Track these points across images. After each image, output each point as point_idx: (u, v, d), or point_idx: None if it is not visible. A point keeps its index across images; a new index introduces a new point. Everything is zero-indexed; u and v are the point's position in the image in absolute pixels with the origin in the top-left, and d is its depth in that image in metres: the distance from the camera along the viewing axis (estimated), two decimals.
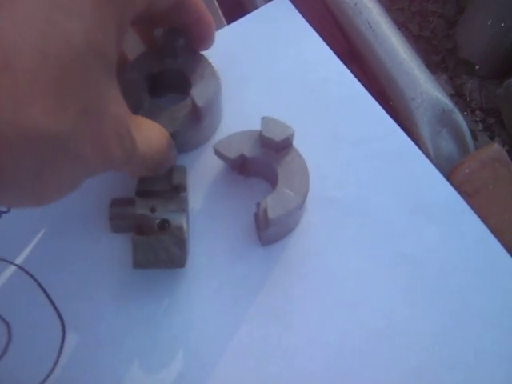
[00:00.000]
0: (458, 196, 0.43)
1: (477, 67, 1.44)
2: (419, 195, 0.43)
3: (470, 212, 0.42)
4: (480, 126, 1.34)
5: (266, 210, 0.38)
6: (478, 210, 0.42)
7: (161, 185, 0.40)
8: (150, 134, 0.35)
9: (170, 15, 0.37)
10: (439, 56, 1.49)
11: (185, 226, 0.38)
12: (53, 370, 0.37)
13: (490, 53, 1.43)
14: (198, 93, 0.41)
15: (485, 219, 0.42)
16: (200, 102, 0.40)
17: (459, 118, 0.53)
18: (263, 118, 0.40)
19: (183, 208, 0.39)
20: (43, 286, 0.39)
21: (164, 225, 0.39)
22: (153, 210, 0.39)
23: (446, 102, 0.53)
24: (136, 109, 0.41)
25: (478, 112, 1.38)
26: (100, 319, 0.39)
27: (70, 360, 0.38)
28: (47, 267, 0.40)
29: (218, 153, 0.41)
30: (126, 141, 0.29)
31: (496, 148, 0.44)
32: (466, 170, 0.43)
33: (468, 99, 1.42)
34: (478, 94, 1.42)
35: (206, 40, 0.42)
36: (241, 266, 0.41)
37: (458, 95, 1.44)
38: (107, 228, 0.40)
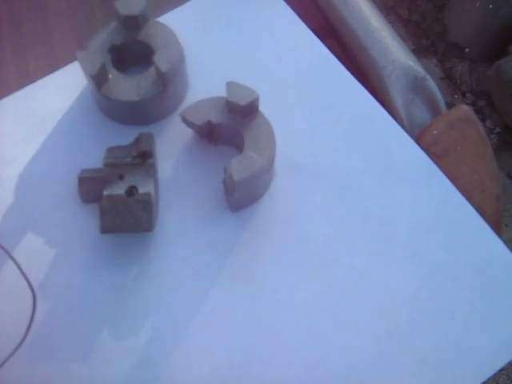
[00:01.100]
0: (427, 158, 0.43)
1: (466, 50, 1.43)
2: (388, 158, 0.43)
3: (438, 173, 0.42)
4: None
5: (231, 174, 0.38)
6: (447, 171, 0.42)
7: (128, 153, 0.40)
8: None
9: None
10: (429, 40, 1.48)
11: (152, 191, 0.38)
12: (24, 338, 0.37)
13: (480, 35, 1.42)
14: (161, 59, 0.41)
15: (454, 180, 0.42)
16: (163, 68, 0.40)
17: (432, 84, 0.53)
18: (228, 83, 0.40)
19: (150, 174, 0.39)
20: (12, 255, 0.39)
21: (132, 191, 0.39)
22: (121, 177, 0.39)
23: (419, 69, 0.53)
24: (101, 81, 0.41)
25: (468, 95, 1.38)
26: (70, 287, 0.39)
27: (41, 328, 0.38)
28: (16, 236, 0.40)
29: (185, 120, 0.41)
30: None
31: (464, 109, 0.44)
32: (434, 132, 0.43)
33: (458, 82, 1.41)
34: (468, 76, 1.41)
35: None
36: (210, 231, 0.41)
37: (448, 78, 1.43)
38: (77, 198, 0.40)
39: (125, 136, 0.41)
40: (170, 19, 0.45)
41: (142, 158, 0.40)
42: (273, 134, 0.40)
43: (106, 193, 0.38)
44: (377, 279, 0.40)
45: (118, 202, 0.38)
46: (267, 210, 0.42)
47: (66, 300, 0.39)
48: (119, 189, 0.38)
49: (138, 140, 0.40)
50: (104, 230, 0.37)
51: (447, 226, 0.41)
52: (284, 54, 0.47)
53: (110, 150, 0.40)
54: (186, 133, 0.43)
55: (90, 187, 0.39)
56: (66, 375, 0.37)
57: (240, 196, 0.39)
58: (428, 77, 0.53)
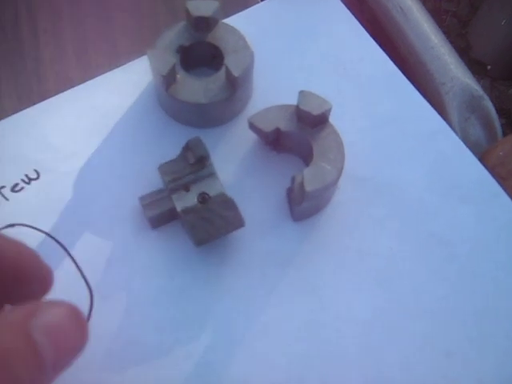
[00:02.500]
0: (492, 178, 0.42)
1: (488, 67, 1.43)
2: (452, 176, 0.43)
3: (503, 194, 0.42)
4: None
5: (301, 184, 0.37)
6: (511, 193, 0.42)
7: (184, 163, 0.39)
8: None
9: None
10: None
11: (223, 189, 0.38)
12: None
13: (503, 53, 1.42)
14: (234, 63, 0.40)
15: None
16: (236, 72, 0.40)
17: (489, 104, 0.53)
18: (301, 92, 0.39)
19: (214, 175, 0.39)
20: (72, 254, 0.39)
21: (204, 197, 0.38)
22: (186, 188, 0.38)
23: (476, 87, 0.52)
24: (169, 82, 0.41)
25: None
26: (128, 288, 0.39)
27: (97, 329, 0.38)
28: (75, 234, 0.40)
29: (252, 126, 0.40)
30: None
31: None
32: (500, 153, 0.43)
33: None
34: (489, 94, 1.42)
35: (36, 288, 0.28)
36: (271, 240, 0.40)
37: None
38: (135, 197, 0.40)
39: (187, 137, 0.40)
40: (236, 21, 0.45)
41: (200, 163, 0.39)
42: (342, 146, 0.39)
43: (180, 208, 0.37)
44: (436, 297, 0.39)
45: (200, 211, 0.37)
46: (329, 222, 0.41)
47: (123, 301, 0.39)
48: (190, 200, 0.38)
49: (188, 148, 0.39)
50: (199, 243, 0.37)
51: (510, 248, 0.41)
52: (349, 64, 0.47)
53: (162, 166, 0.39)
54: (249, 138, 0.43)
55: (158, 211, 0.39)
56: (122, 379, 0.37)
57: (306, 207, 0.39)
58: (485, 96, 0.52)
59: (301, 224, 0.41)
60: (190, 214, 0.37)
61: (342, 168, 0.39)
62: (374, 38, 0.49)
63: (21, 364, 0.19)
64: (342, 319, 0.39)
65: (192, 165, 0.39)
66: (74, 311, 0.23)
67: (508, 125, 1.33)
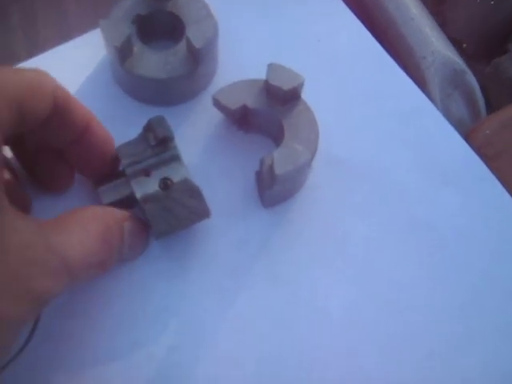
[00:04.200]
0: (478, 159, 0.39)
1: (464, 45, 1.41)
2: (435, 157, 0.40)
3: (490, 176, 0.39)
4: None
5: (271, 167, 0.34)
6: (499, 174, 0.39)
7: (145, 145, 0.34)
8: (83, 232, 0.28)
9: (47, 134, 0.31)
10: None
11: (188, 175, 0.34)
12: (27, 342, 0.33)
13: (479, 31, 1.40)
14: (195, 34, 0.37)
15: (505, 183, 0.39)
16: (198, 44, 0.36)
17: (472, 79, 0.50)
18: (270, 65, 0.36)
19: (178, 158, 0.34)
20: None
21: (166, 183, 0.34)
22: (146, 173, 0.34)
23: (458, 61, 0.49)
24: (125, 55, 0.37)
25: None
26: (80, 287, 0.35)
27: (46, 331, 0.34)
28: None
29: (217, 103, 0.37)
30: (50, 262, 0.25)
31: None
32: (487, 132, 0.40)
33: None
34: None
35: (98, 160, 0.34)
36: (240, 229, 0.37)
37: None
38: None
39: (147, 116, 0.36)
40: None
41: (163, 145, 0.34)
42: (316, 124, 0.36)
43: (139, 195, 0.33)
44: (419, 290, 0.36)
45: (161, 200, 0.33)
46: (303, 208, 0.38)
47: (75, 301, 0.35)
48: (151, 186, 0.34)
49: (149, 127, 0.34)
50: (160, 235, 0.33)
51: (497, 234, 0.38)
52: (324, 36, 0.43)
53: (121, 148, 0.34)
54: (215, 117, 0.39)
55: (116, 197, 0.35)
56: None
57: (277, 191, 0.35)
58: (468, 70, 0.49)
59: (272, 211, 0.38)
60: (151, 202, 0.33)
61: (315, 149, 0.35)
62: (352, 9, 0.45)
63: (115, 239, 0.30)
64: (316, 315, 0.35)
65: (153, 147, 0.34)
66: (145, 228, 0.34)
67: (484, 104, 1.31)
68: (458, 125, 0.47)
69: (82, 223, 0.28)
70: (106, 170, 0.34)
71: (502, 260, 0.37)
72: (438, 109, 0.44)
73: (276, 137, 0.38)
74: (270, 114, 0.37)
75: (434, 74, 0.47)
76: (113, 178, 0.35)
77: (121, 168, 0.34)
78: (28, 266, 0.23)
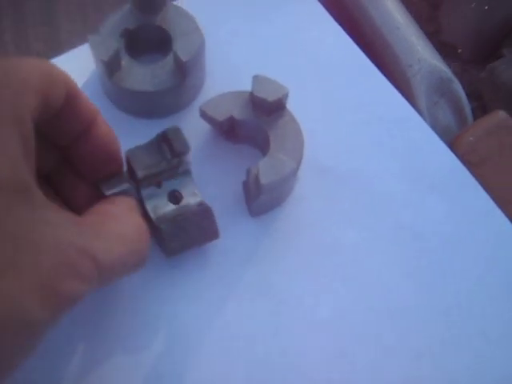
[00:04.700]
0: (462, 166, 0.40)
1: (459, 51, 1.41)
2: (420, 165, 0.40)
3: (474, 183, 0.40)
4: None
5: (257, 176, 0.34)
6: (483, 181, 0.39)
7: (158, 159, 0.34)
8: (119, 231, 0.27)
9: (57, 126, 0.29)
10: None
11: (199, 194, 0.35)
12: None
13: (473, 36, 1.40)
14: (182, 47, 0.37)
15: (490, 190, 0.39)
16: (184, 57, 0.37)
17: (458, 87, 0.51)
18: (255, 77, 0.36)
19: (188, 172, 0.35)
20: None
21: (176, 196, 0.34)
22: (158, 185, 0.35)
23: (445, 69, 0.50)
24: (113, 68, 0.38)
25: None
26: None
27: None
28: None
29: (204, 115, 0.37)
30: (82, 265, 0.23)
31: (502, 115, 0.41)
32: (471, 139, 0.40)
33: None
34: (461, 77, 1.40)
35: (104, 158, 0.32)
36: (228, 238, 0.37)
37: None
38: None
39: (135, 129, 0.37)
40: (188, 3, 0.41)
41: (178, 159, 0.34)
42: (301, 134, 0.37)
43: (154, 216, 0.34)
44: (406, 295, 0.37)
45: (177, 220, 0.34)
46: (290, 216, 0.38)
47: None
48: (161, 198, 0.34)
49: (165, 137, 0.34)
50: (171, 253, 0.34)
51: (481, 239, 0.38)
52: (309, 47, 0.44)
53: (134, 156, 0.34)
54: (203, 128, 0.40)
55: None
56: None
57: (263, 201, 0.36)
58: (454, 79, 0.50)
59: (259, 219, 0.38)
60: (167, 222, 0.34)
61: (300, 158, 0.36)
62: (339, 19, 0.46)
63: (147, 236, 0.29)
64: (304, 321, 0.36)
65: (169, 160, 0.34)
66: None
67: (479, 108, 1.31)
68: (444, 132, 0.48)
69: (118, 221, 0.27)
70: (109, 169, 0.32)
71: (487, 265, 0.38)
72: (424, 117, 0.45)
73: (263, 147, 0.38)
74: (256, 125, 0.37)
75: (421, 82, 0.48)
76: (117, 183, 0.33)
77: (137, 177, 0.34)
78: (59, 268, 0.22)
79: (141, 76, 0.38)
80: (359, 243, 0.38)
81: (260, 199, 0.35)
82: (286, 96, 0.36)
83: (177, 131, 0.34)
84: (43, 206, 0.23)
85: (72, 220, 0.25)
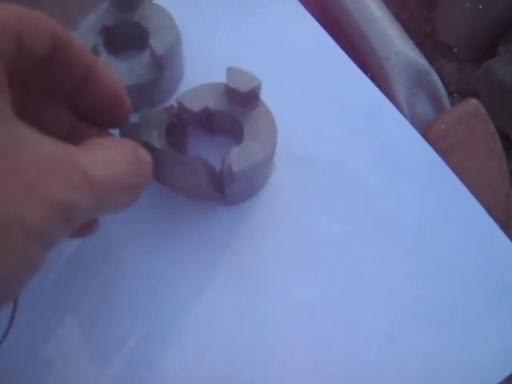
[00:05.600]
0: (435, 154, 0.41)
1: (455, 50, 1.42)
2: (394, 153, 0.41)
3: (447, 170, 0.40)
4: None
5: (229, 164, 0.35)
6: (455, 168, 0.40)
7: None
8: (109, 153, 0.26)
9: (50, 76, 0.29)
10: (418, 39, 1.47)
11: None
12: (3, 339, 0.35)
13: (469, 35, 1.41)
14: (158, 42, 0.38)
15: (462, 177, 0.40)
16: (159, 51, 0.38)
17: (436, 79, 0.51)
18: (229, 69, 0.37)
19: None
20: None
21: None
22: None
23: (422, 62, 0.51)
24: None
25: (456, 95, 1.37)
26: (54, 284, 0.37)
27: (21, 327, 0.35)
28: None
29: (181, 106, 0.38)
30: (71, 174, 0.22)
31: (473, 103, 0.42)
32: (442, 126, 0.41)
33: (446, 82, 1.40)
34: (456, 76, 1.41)
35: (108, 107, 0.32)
36: (205, 225, 0.38)
37: None
38: None
39: None
40: (166, 0, 0.42)
41: None
42: (274, 124, 0.38)
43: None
44: (380, 280, 0.38)
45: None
46: (265, 205, 0.39)
47: (49, 298, 0.37)
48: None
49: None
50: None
51: (455, 225, 0.39)
52: (285, 40, 0.45)
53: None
54: None
55: None
56: (48, 379, 0.35)
57: (238, 189, 0.37)
58: (432, 70, 0.51)
59: (236, 208, 0.39)
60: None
61: (273, 147, 0.37)
62: (316, 12, 0.47)
63: (143, 163, 0.28)
64: (281, 306, 0.37)
65: None
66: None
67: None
68: (423, 123, 0.48)
69: (107, 146, 0.26)
70: (119, 114, 0.32)
71: (459, 250, 0.39)
72: (402, 108, 0.46)
73: (239, 138, 0.39)
74: (231, 116, 0.38)
75: (398, 75, 0.49)
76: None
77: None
78: (45, 175, 0.21)
79: (119, 71, 0.39)
80: (334, 231, 0.39)
81: (234, 186, 0.36)
82: (258, 87, 0.37)
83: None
84: (21, 127, 0.22)
85: (57, 141, 0.23)
